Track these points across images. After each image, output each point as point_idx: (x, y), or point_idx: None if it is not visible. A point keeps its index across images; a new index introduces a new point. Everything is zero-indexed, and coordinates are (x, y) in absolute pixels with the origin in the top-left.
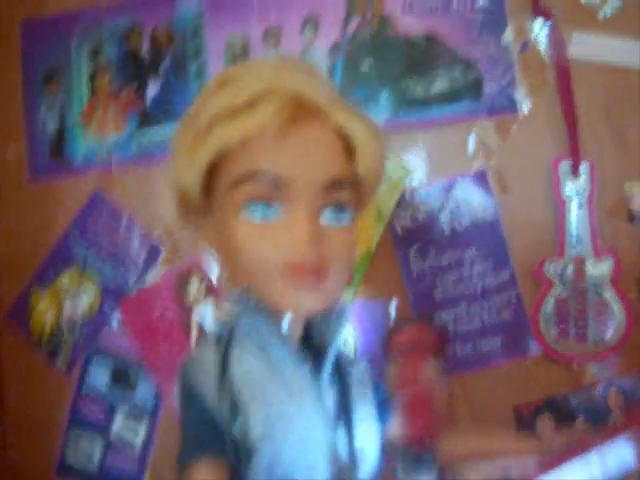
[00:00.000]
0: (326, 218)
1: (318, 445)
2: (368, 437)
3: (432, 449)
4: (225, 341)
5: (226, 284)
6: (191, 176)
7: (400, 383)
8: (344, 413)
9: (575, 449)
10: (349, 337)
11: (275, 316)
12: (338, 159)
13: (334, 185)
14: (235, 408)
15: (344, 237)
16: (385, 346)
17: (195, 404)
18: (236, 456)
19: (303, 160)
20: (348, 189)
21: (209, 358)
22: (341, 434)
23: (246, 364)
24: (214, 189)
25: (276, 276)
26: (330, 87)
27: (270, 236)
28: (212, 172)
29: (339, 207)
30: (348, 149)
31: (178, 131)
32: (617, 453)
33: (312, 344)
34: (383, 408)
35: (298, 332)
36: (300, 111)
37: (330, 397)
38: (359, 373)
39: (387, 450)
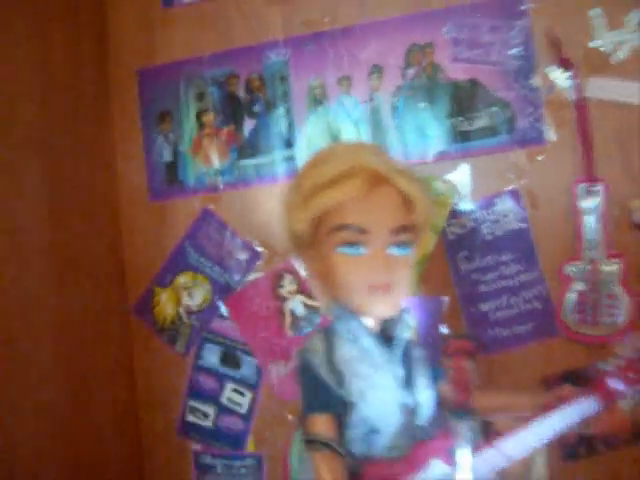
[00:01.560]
0: (393, 251)
1: (393, 401)
2: (425, 396)
3: (469, 408)
4: (330, 336)
5: (317, 293)
6: (302, 225)
7: (451, 373)
8: (410, 381)
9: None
10: (412, 326)
11: (361, 318)
12: (401, 213)
13: (399, 230)
14: (340, 379)
15: (405, 263)
16: (443, 348)
17: (312, 377)
18: (341, 411)
19: (377, 215)
20: (409, 232)
21: (318, 347)
22: (409, 394)
23: (345, 351)
24: (317, 233)
25: (361, 292)
26: (392, 162)
27: (356, 265)
28: (315, 222)
29: (402, 243)
30: (408, 204)
31: (287, 192)
32: (582, 408)
33: (387, 336)
34: (435, 379)
35: (377, 328)
36: (374, 181)
37: (400, 371)
38: (419, 355)
39: (441, 405)
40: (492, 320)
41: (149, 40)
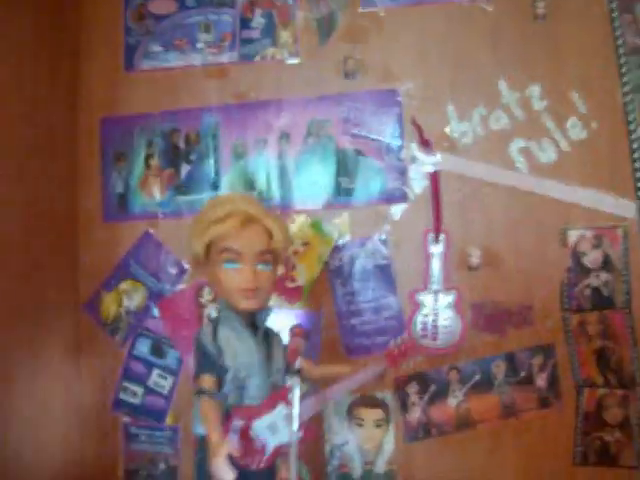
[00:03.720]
0: (259, 267)
1: (257, 368)
2: (280, 365)
3: (297, 369)
4: (215, 323)
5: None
6: (199, 248)
7: (290, 345)
8: (269, 355)
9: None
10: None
11: (237, 312)
12: (265, 241)
13: (263, 253)
14: (220, 351)
15: (268, 276)
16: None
17: (201, 350)
18: (219, 372)
19: (249, 243)
20: (270, 254)
21: (208, 330)
22: (268, 363)
23: (224, 332)
24: (209, 254)
25: (237, 293)
26: (261, 207)
27: (235, 275)
28: (209, 246)
29: (266, 262)
30: (270, 235)
31: (192, 223)
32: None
33: (254, 323)
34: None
35: (247, 318)
36: (247, 220)
37: (262, 347)
38: (278, 338)
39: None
40: (359, 331)
41: (113, 95)
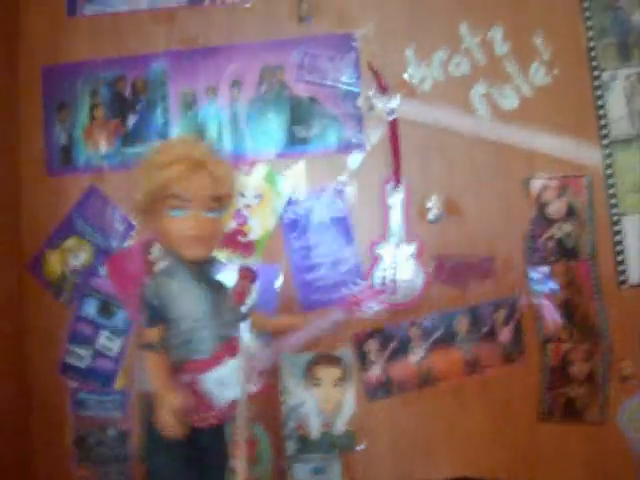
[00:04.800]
0: (208, 215)
1: (205, 321)
2: (229, 318)
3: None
4: (160, 275)
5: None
6: (144, 196)
7: (237, 287)
8: (218, 307)
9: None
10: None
11: (185, 262)
12: (213, 187)
13: (211, 199)
14: (166, 305)
15: (216, 223)
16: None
17: (146, 303)
18: (165, 325)
19: (196, 189)
20: (218, 201)
21: (153, 283)
22: (216, 316)
23: (171, 286)
24: (154, 202)
25: (184, 242)
26: (208, 151)
27: (182, 223)
28: (154, 194)
29: (214, 209)
30: (217, 181)
31: (137, 171)
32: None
33: (201, 273)
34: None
35: (194, 268)
36: (195, 166)
37: (210, 297)
38: (227, 291)
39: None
40: (316, 287)
41: (54, 42)
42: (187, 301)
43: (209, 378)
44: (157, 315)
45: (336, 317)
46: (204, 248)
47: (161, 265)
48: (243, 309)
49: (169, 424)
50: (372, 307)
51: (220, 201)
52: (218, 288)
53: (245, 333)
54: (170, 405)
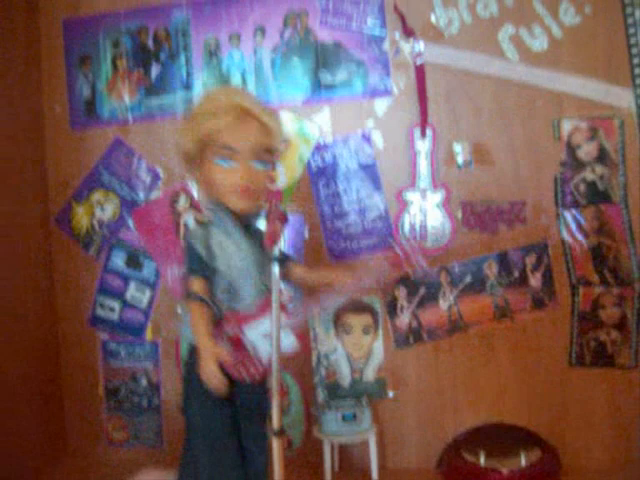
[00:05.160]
0: (256, 166)
1: (250, 272)
2: (270, 269)
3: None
4: (207, 225)
5: (203, 201)
6: (191, 144)
7: (269, 230)
8: (261, 259)
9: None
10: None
11: (231, 213)
12: (261, 138)
13: (260, 150)
14: (211, 254)
15: (263, 175)
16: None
17: (192, 252)
18: (211, 275)
19: (244, 139)
20: (267, 152)
21: (199, 233)
22: (260, 268)
23: (217, 236)
24: (201, 151)
25: (230, 193)
26: (258, 101)
27: (228, 174)
28: (201, 143)
29: (263, 160)
30: (267, 132)
31: (182, 122)
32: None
33: (247, 225)
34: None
35: (240, 219)
36: (242, 115)
37: (255, 250)
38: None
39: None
40: (344, 234)
41: None
42: (233, 252)
43: (253, 330)
44: (202, 265)
45: (382, 275)
46: (250, 200)
47: (206, 215)
48: (275, 251)
49: (212, 375)
50: (422, 263)
51: (269, 153)
52: (261, 240)
53: (274, 271)
54: (213, 356)
